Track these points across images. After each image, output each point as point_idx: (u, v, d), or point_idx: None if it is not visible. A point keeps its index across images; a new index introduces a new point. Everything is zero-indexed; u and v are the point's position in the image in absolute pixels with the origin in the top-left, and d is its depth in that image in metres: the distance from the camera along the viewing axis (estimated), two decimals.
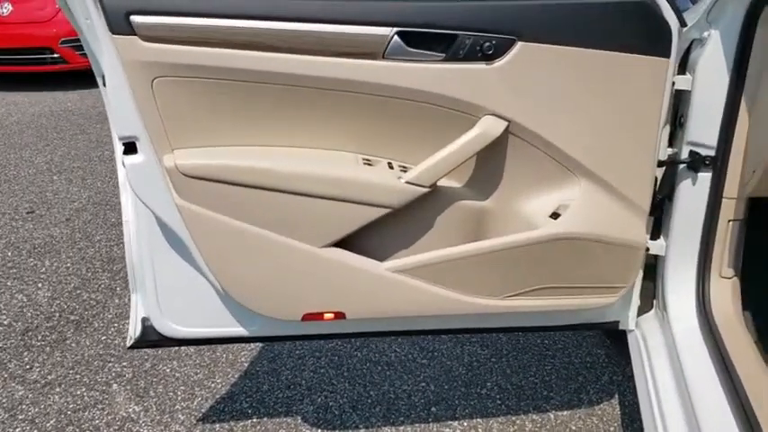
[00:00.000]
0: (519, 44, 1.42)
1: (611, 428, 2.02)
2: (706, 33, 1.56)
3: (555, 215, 1.55)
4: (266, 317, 1.58)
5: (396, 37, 1.39)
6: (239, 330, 1.70)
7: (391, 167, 1.52)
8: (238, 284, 1.54)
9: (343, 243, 1.52)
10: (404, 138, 1.51)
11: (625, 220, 1.57)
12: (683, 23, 1.49)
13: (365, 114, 1.47)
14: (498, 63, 1.43)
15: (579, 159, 1.52)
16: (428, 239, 1.57)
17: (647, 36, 1.45)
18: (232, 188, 1.44)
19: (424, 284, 1.56)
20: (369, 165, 1.51)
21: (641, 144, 1.53)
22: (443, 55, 1.42)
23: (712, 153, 1.60)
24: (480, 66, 1.43)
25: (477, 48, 1.42)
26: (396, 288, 1.55)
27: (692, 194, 1.66)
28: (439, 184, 1.51)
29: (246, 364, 2.36)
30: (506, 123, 1.46)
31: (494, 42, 1.41)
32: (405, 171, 1.51)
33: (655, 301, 1.86)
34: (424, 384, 2.25)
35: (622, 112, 1.50)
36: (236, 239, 1.49)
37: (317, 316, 1.57)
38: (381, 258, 1.56)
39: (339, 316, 1.57)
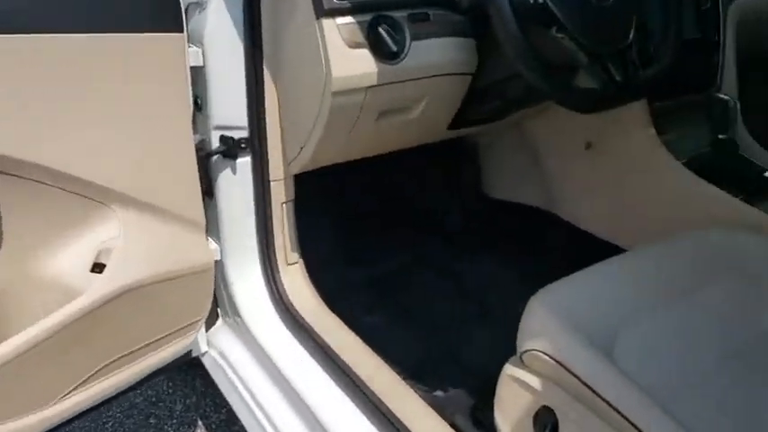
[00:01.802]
0: None
1: None
2: None
3: (99, 266, 1.11)
4: None
5: None
6: None
7: None
8: None
9: None
10: None
11: (186, 242, 1.25)
12: None
13: None
14: None
15: (104, 183, 1.11)
16: None
17: (154, 7, 1.10)
18: None
19: None
20: None
21: (179, 146, 1.21)
22: None
23: (246, 135, 1.38)
24: None
25: None
26: None
27: (234, 185, 1.42)
28: None
29: None
30: None
31: None
32: None
33: (219, 310, 1.61)
34: None
35: (147, 111, 1.14)
36: None
37: None
38: None
39: None
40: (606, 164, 1.58)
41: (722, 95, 1.51)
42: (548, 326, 1.06)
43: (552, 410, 1.02)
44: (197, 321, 1.35)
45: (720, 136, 1.49)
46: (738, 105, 1.50)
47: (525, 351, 1.07)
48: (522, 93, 1.38)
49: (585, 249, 1.66)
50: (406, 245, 1.89)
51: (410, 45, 1.24)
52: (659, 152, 1.48)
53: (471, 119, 1.51)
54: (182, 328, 1.30)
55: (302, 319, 1.47)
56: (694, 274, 1.19)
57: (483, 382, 1.44)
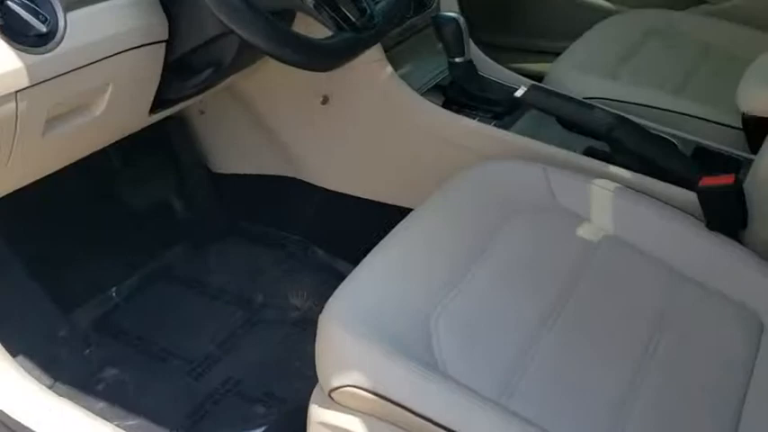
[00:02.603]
0: None
1: None
2: None
3: None
4: None
5: None
6: None
7: None
8: None
9: None
10: None
11: None
12: None
13: None
14: None
15: None
16: None
17: None
18: None
19: None
20: None
21: None
22: None
23: None
24: None
25: None
26: None
27: None
28: None
29: None
30: None
31: None
32: None
33: None
34: None
35: None
36: None
37: None
38: None
39: None
40: (349, 116, 1.36)
41: (447, 14, 1.37)
42: (354, 350, 0.84)
43: None
44: None
45: (457, 59, 1.36)
46: (464, 21, 1.37)
47: (335, 388, 0.84)
48: (236, 54, 1.08)
49: (348, 213, 1.45)
50: (137, 259, 1.51)
51: (66, 19, 0.85)
52: (403, 91, 1.30)
53: (176, 96, 1.17)
54: None
55: (7, 417, 1.08)
56: (479, 225, 1.07)
57: (287, 420, 1.20)
